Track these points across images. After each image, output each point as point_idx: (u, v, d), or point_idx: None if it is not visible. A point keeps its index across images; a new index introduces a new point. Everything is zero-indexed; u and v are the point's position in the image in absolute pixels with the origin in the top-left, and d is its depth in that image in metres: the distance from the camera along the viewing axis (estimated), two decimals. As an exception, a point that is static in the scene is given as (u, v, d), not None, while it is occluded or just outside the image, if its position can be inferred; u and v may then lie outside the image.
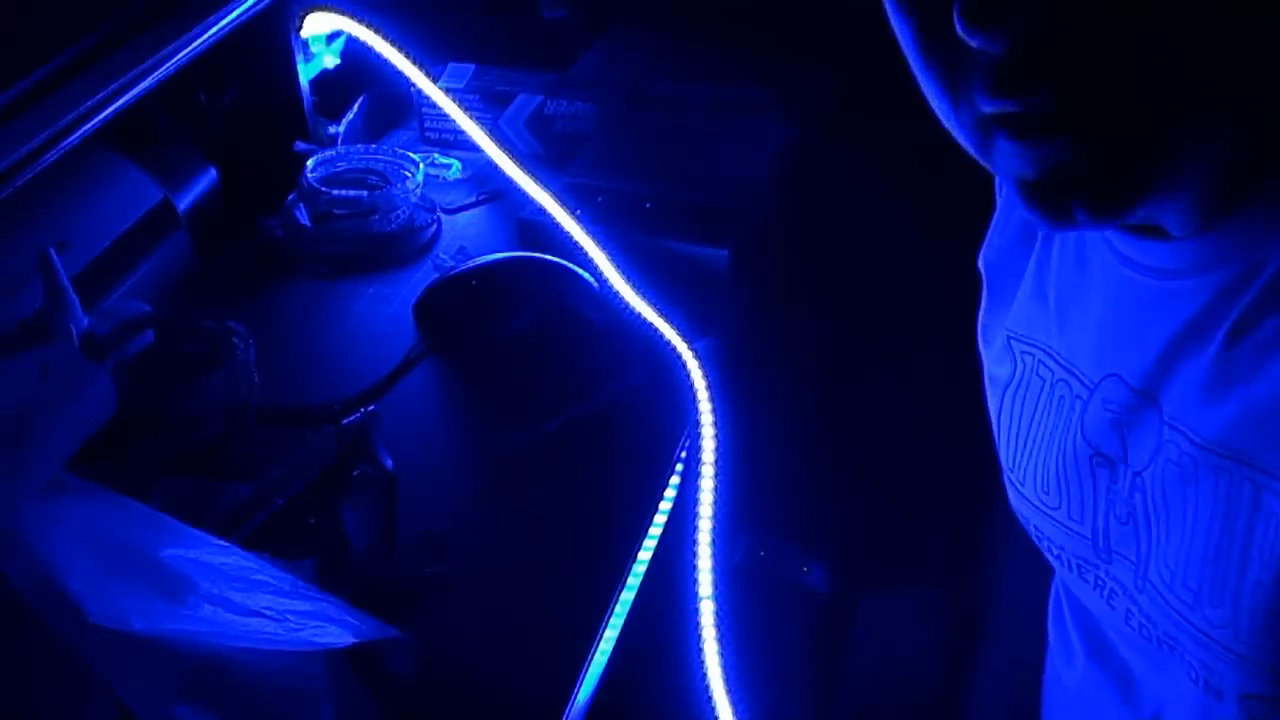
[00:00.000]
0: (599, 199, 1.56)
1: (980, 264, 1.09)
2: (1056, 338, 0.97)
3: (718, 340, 1.37)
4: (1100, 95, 0.67)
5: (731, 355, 1.37)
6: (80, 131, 1.27)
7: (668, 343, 1.32)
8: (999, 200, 1.07)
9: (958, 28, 0.66)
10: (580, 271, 1.43)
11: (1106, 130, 0.69)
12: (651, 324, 1.35)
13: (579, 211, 1.49)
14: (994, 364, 1.06)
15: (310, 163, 1.61)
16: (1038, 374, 0.99)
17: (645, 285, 1.40)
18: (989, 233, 1.08)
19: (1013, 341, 1.02)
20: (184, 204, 1.50)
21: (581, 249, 1.44)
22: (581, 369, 1.34)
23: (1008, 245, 1.05)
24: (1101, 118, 0.68)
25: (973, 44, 0.67)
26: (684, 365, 1.29)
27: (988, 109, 0.71)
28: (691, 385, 1.27)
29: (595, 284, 1.42)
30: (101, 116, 1.29)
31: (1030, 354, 1.00)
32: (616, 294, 1.39)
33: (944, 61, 0.73)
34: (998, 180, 1.05)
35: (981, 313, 1.09)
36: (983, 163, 0.77)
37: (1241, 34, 0.67)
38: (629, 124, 1.71)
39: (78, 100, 1.27)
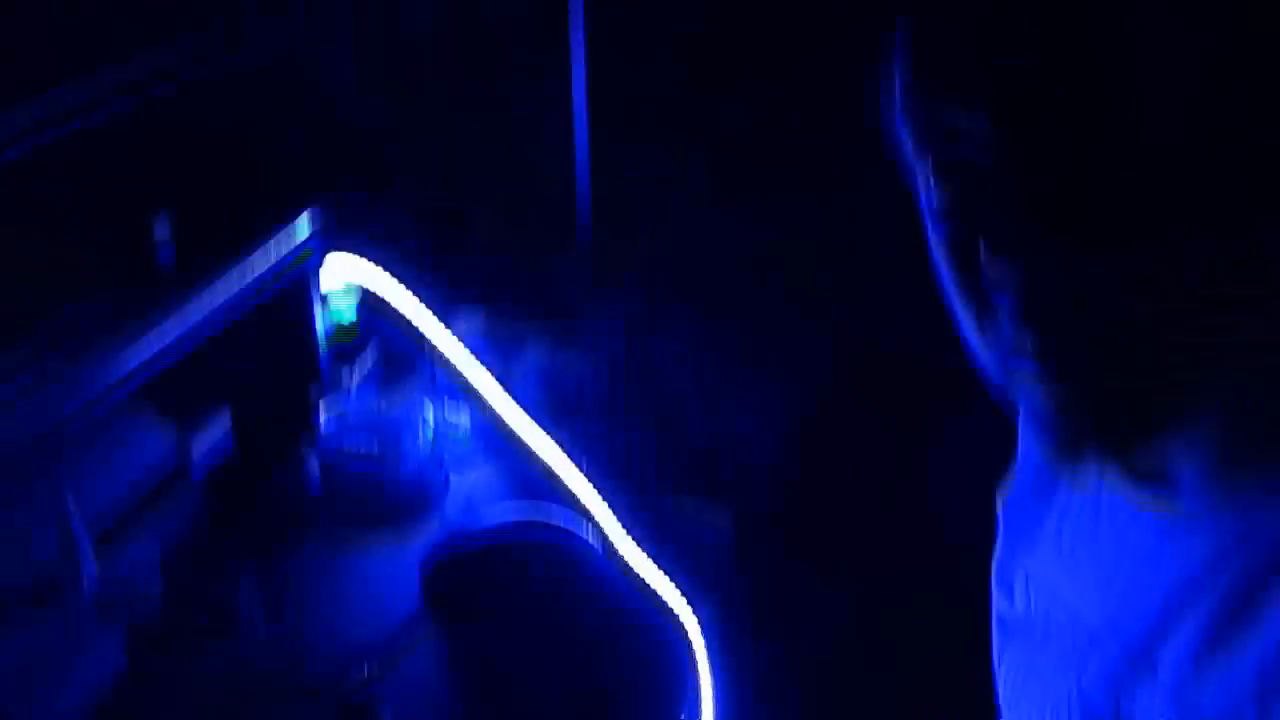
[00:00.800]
0: (604, 453, 1.59)
1: (998, 504, 1.11)
2: (1068, 586, 0.99)
3: (722, 605, 1.38)
4: (1115, 332, 0.74)
5: (736, 620, 1.38)
6: (102, 385, 1.31)
7: (670, 609, 1.33)
8: (1020, 443, 1.10)
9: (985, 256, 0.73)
10: (584, 535, 1.44)
11: (1116, 367, 0.75)
12: (654, 589, 1.36)
13: (583, 465, 1.51)
14: (1005, 605, 1.08)
15: (324, 412, 1.64)
16: (1045, 620, 1.00)
17: (649, 544, 1.41)
18: (1010, 474, 1.11)
19: (1030, 584, 1.04)
20: (199, 451, 1.53)
21: (587, 504, 1.46)
22: (586, 632, 1.35)
23: (1025, 489, 1.07)
24: (1112, 355, 0.75)
25: (999, 274, 0.74)
26: (685, 632, 1.30)
27: (1014, 343, 0.77)
28: (692, 653, 1.28)
29: (599, 548, 1.43)
30: (131, 382, 1.33)
31: (1041, 599, 1.02)
32: (620, 558, 1.41)
33: (975, 292, 0.81)
34: (1019, 422, 1.09)
35: (998, 551, 1.11)
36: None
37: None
38: (634, 378, 1.74)
39: (110, 367, 1.32)
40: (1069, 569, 0.98)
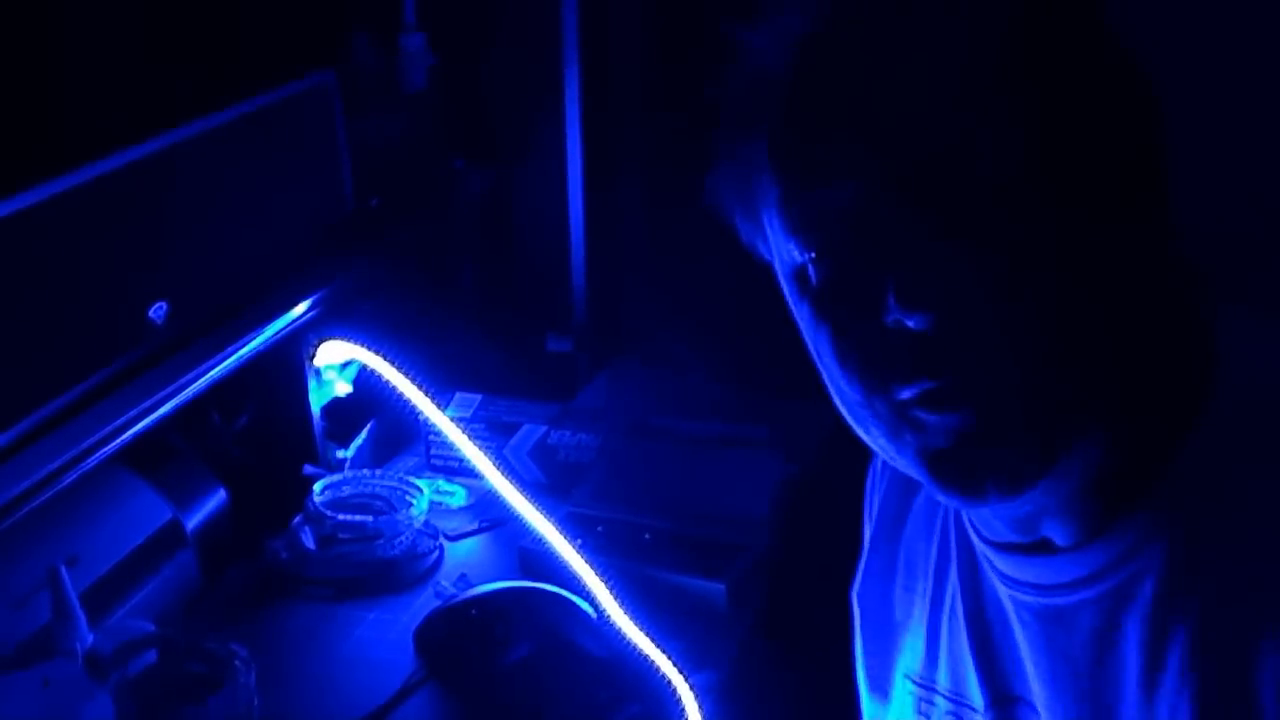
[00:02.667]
0: (599, 529, 1.59)
1: (855, 601, 1.12)
2: (948, 675, 1.00)
3: (715, 675, 1.37)
4: (1004, 369, 0.75)
5: (728, 691, 1.37)
6: (97, 456, 1.32)
7: (665, 676, 1.33)
8: (869, 535, 1.11)
9: (892, 310, 0.75)
10: (579, 603, 1.44)
11: (1010, 403, 0.76)
12: (649, 657, 1.35)
13: (579, 541, 1.51)
14: (878, 707, 1.08)
15: (317, 486, 1.64)
16: (933, 715, 1.01)
17: (643, 617, 1.41)
18: (861, 570, 1.12)
19: (912, 684, 1.04)
20: (192, 523, 1.53)
21: (581, 579, 1.46)
22: (579, 702, 1.34)
23: (890, 587, 1.08)
24: (1006, 390, 0.76)
25: (908, 323, 0.75)
26: (681, 700, 1.29)
27: (907, 393, 0.78)
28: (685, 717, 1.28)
29: (594, 616, 1.43)
30: (119, 442, 1.34)
31: (927, 697, 1.02)
32: (615, 626, 1.40)
33: (861, 358, 0.80)
34: (867, 513, 1.12)
35: (861, 652, 1.12)
36: (888, 450, 0.83)
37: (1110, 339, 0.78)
38: (630, 456, 1.75)
39: (96, 426, 1.32)
40: (952, 664, 0.99)
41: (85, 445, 1.30)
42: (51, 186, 1.28)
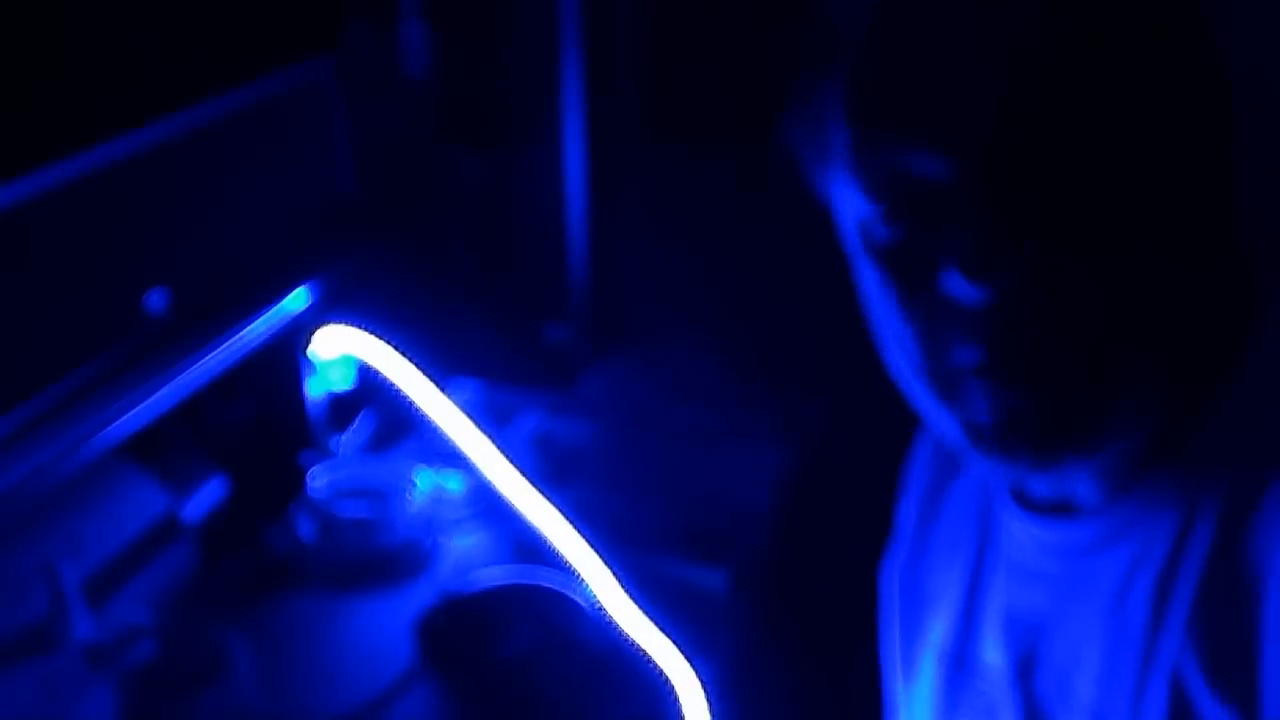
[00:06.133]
0: (599, 518, 1.58)
1: (884, 579, 1.12)
2: (979, 649, 1.00)
3: (716, 665, 1.37)
4: (1057, 351, 0.76)
5: (730, 679, 1.37)
6: (95, 447, 1.31)
7: (665, 668, 1.32)
8: (905, 515, 1.11)
9: (957, 281, 0.75)
10: (577, 596, 1.44)
11: (1062, 380, 0.77)
12: (649, 649, 1.35)
13: (578, 530, 1.50)
14: (904, 685, 1.08)
15: (315, 475, 1.64)
16: (969, 689, 1.01)
17: (643, 607, 1.40)
18: (894, 549, 1.11)
19: (942, 661, 1.04)
20: (190, 511, 1.52)
21: (580, 568, 1.45)
22: (578, 694, 1.34)
23: (924, 565, 1.08)
24: (1057, 370, 0.77)
25: (973, 294, 0.74)
26: (682, 691, 1.29)
27: (966, 358, 0.78)
28: (689, 712, 1.27)
29: (593, 608, 1.42)
30: (117, 434, 1.33)
31: (957, 673, 1.02)
32: (614, 618, 1.40)
33: (922, 318, 0.80)
34: (905, 493, 1.12)
35: (890, 631, 1.12)
36: (934, 415, 0.84)
37: (1162, 306, 0.78)
38: (630, 444, 1.74)
39: (94, 417, 1.32)
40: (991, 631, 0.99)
41: (84, 437, 1.30)
42: (49, 175, 1.27)
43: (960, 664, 1.02)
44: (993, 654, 0.99)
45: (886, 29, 0.78)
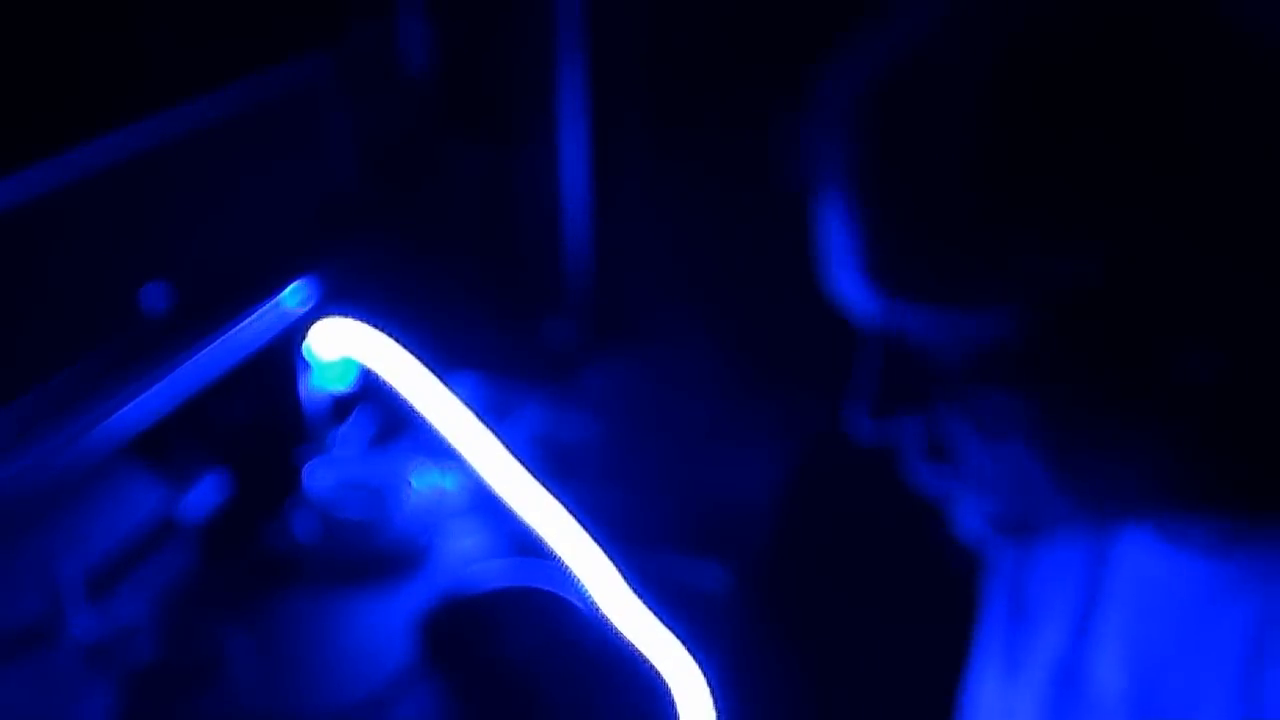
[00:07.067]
0: (598, 514, 1.58)
1: (993, 587, 1.10)
2: (1108, 669, 0.97)
3: (715, 663, 1.37)
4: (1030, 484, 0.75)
5: (729, 679, 1.37)
6: (94, 445, 1.31)
7: (664, 667, 1.32)
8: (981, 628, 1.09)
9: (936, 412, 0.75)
10: (576, 595, 1.44)
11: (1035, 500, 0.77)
12: (648, 648, 1.35)
13: (579, 525, 1.50)
14: (1011, 688, 1.06)
15: (314, 472, 1.63)
16: (1078, 705, 0.99)
17: (643, 604, 1.40)
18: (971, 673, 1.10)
19: (1051, 673, 1.02)
20: (188, 508, 1.52)
21: (578, 564, 1.45)
22: (578, 694, 1.34)
23: (1030, 574, 1.05)
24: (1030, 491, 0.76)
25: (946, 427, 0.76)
26: (682, 689, 1.29)
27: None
28: (691, 710, 1.27)
29: (591, 608, 1.42)
30: (117, 432, 1.33)
31: (1070, 689, 1.00)
32: (612, 619, 1.40)
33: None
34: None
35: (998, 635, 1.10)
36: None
37: None
38: (629, 441, 1.74)
39: (93, 414, 1.31)
40: None
41: (83, 434, 1.29)
42: (50, 171, 1.27)
43: (1070, 679, 0.99)
44: (1109, 674, 0.95)
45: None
